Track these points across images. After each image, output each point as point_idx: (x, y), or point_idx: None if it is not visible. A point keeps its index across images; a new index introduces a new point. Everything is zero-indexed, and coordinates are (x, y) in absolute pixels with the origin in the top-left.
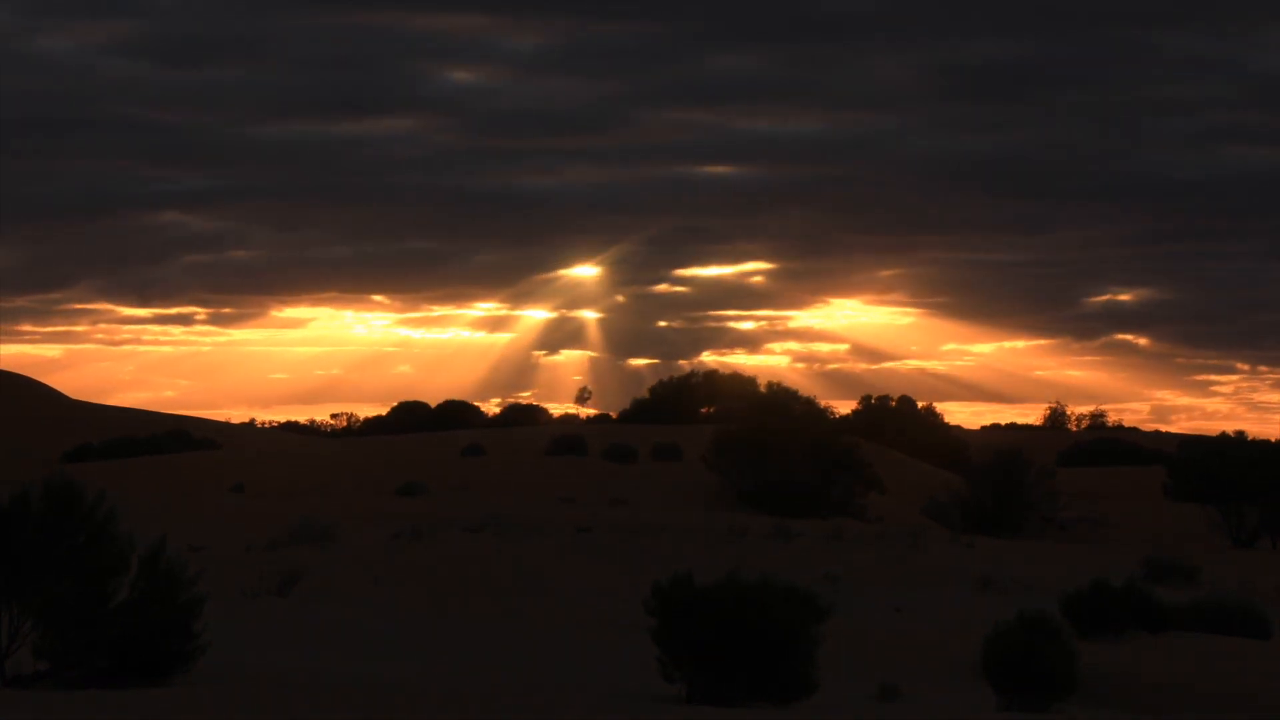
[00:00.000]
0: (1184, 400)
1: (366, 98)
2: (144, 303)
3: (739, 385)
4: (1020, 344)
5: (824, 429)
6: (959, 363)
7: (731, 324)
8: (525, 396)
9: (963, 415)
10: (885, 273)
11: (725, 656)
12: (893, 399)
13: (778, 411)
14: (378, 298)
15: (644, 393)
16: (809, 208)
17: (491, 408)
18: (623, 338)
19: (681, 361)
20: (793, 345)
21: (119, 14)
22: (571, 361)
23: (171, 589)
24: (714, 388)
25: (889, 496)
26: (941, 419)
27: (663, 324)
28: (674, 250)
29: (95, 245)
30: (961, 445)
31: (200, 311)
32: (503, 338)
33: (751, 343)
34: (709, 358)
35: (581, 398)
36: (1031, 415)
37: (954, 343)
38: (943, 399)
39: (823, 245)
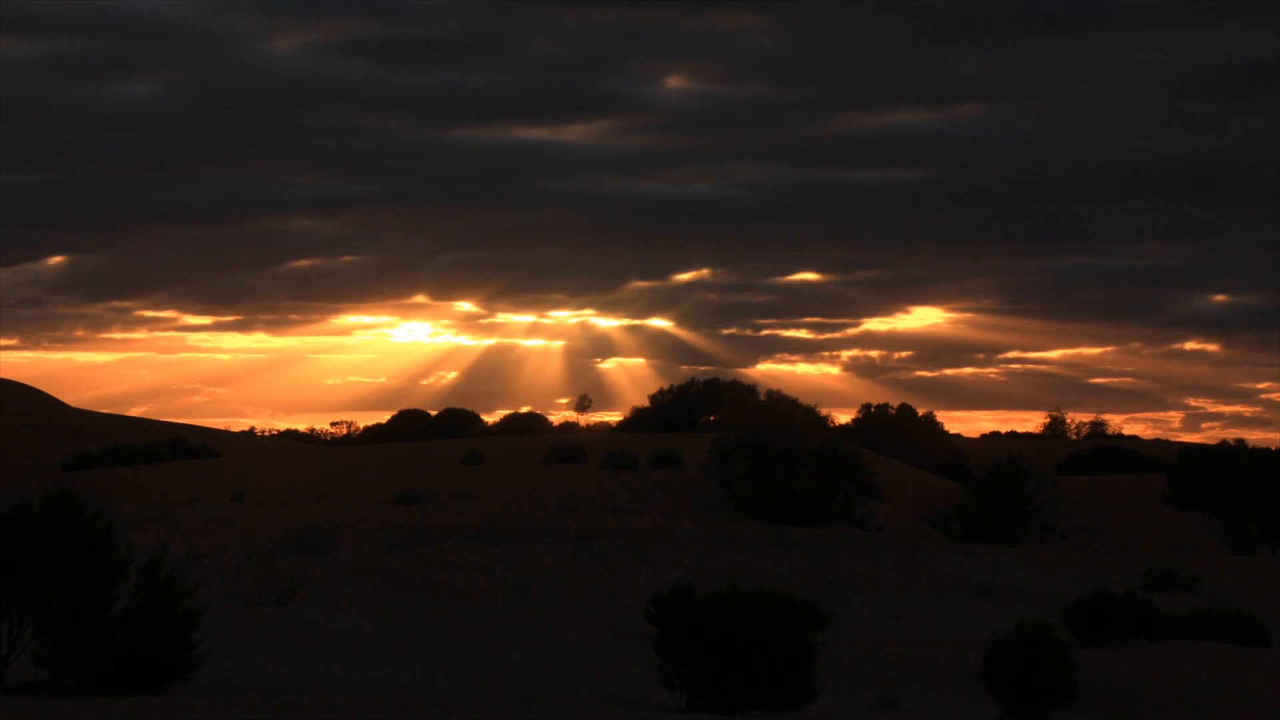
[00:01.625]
0: None
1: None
2: (227, 310)
3: (739, 393)
4: None
5: (824, 437)
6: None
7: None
8: (563, 404)
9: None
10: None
11: (725, 665)
12: (892, 407)
13: (778, 420)
14: (463, 304)
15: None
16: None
17: (492, 416)
18: (688, 343)
19: (742, 370)
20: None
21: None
22: (630, 369)
23: (171, 598)
24: (715, 395)
25: (889, 505)
26: (941, 427)
27: (766, 331)
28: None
29: (184, 251)
30: (961, 453)
31: (278, 317)
32: (555, 345)
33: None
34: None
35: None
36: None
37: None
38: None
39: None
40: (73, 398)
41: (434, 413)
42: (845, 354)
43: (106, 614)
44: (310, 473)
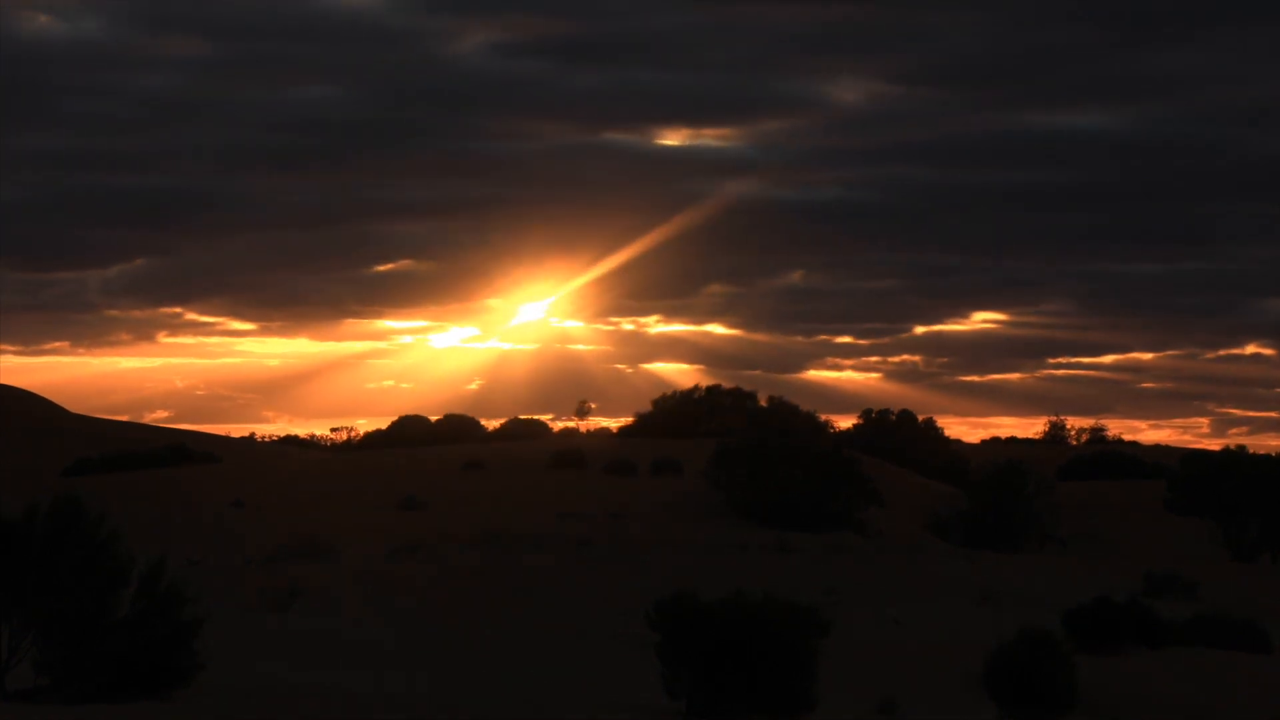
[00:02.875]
0: None
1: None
2: (283, 314)
3: (740, 400)
4: None
5: (824, 443)
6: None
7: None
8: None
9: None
10: None
11: (726, 671)
12: (893, 413)
13: (778, 426)
14: (524, 308)
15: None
16: None
17: (493, 422)
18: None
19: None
20: None
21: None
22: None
23: (172, 605)
24: (715, 402)
25: (889, 510)
26: (942, 433)
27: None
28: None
29: (255, 255)
30: (961, 459)
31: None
32: (584, 349)
33: None
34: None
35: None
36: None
37: None
38: None
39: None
40: (99, 403)
41: (435, 418)
42: (893, 358)
43: (108, 620)
44: (311, 479)
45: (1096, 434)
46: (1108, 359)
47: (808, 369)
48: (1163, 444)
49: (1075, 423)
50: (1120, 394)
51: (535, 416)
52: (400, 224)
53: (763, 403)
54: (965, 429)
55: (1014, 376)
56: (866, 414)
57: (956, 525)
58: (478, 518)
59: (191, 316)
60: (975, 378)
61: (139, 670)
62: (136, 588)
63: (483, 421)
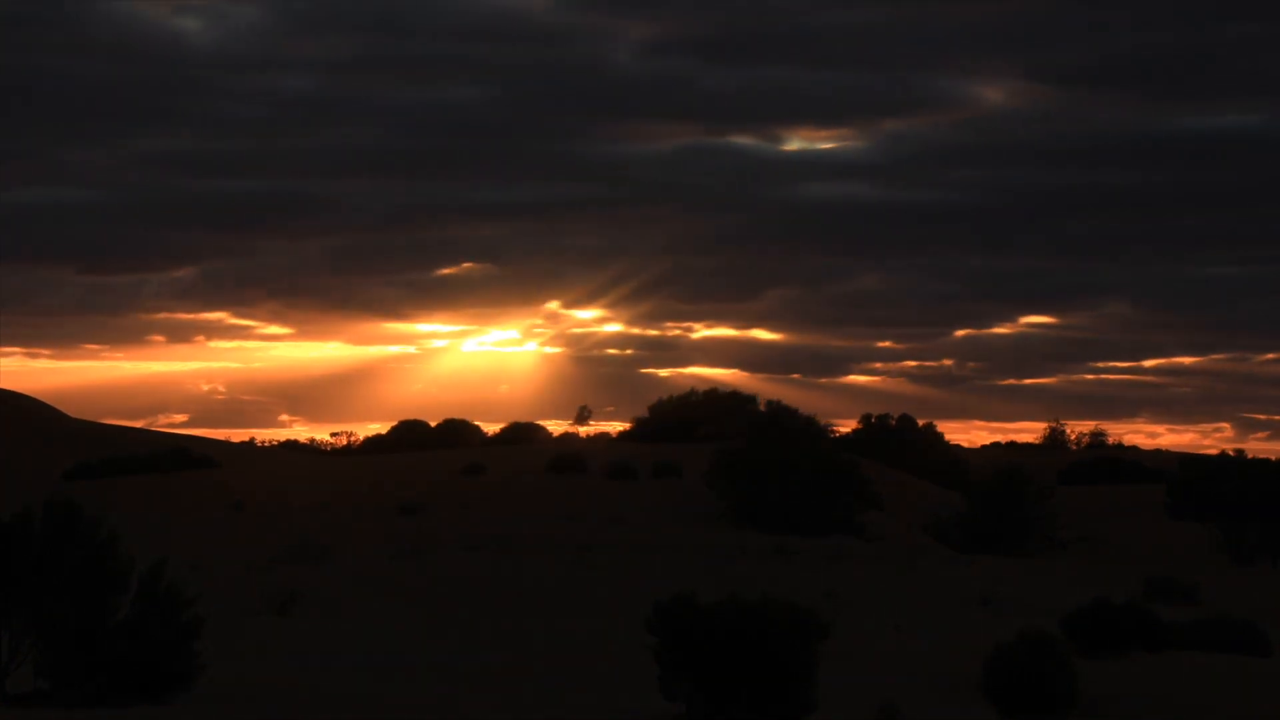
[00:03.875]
0: None
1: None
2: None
3: (740, 403)
4: None
5: (824, 447)
6: None
7: None
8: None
9: None
10: None
11: (726, 675)
12: (892, 417)
13: (777, 430)
14: (581, 314)
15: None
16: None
17: (492, 426)
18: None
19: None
20: None
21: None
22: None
23: (171, 609)
24: (715, 406)
25: (889, 515)
26: (942, 437)
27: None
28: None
29: (285, 259)
30: (962, 464)
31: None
32: (616, 354)
33: None
34: None
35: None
36: None
37: None
38: None
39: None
40: (118, 406)
41: (434, 423)
42: (913, 363)
43: (107, 624)
44: (310, 483)
45: (1096, 438)
46: (1149, 363)
47: (851, 372)
48: (1164, 449)
49: (1075, 427)
50: (1152, 397)
51: (536, 420)
52: (472, 227)
53: (762, 407)
54: (986, 434)
55: (1047, 381)
56: (866, 418)
57: (956, 529)
58: (478, 522)
59: (232, 321)
60: (1012, 381)
61: (139, 673)
62: (136, 591)
63: (483, 426)
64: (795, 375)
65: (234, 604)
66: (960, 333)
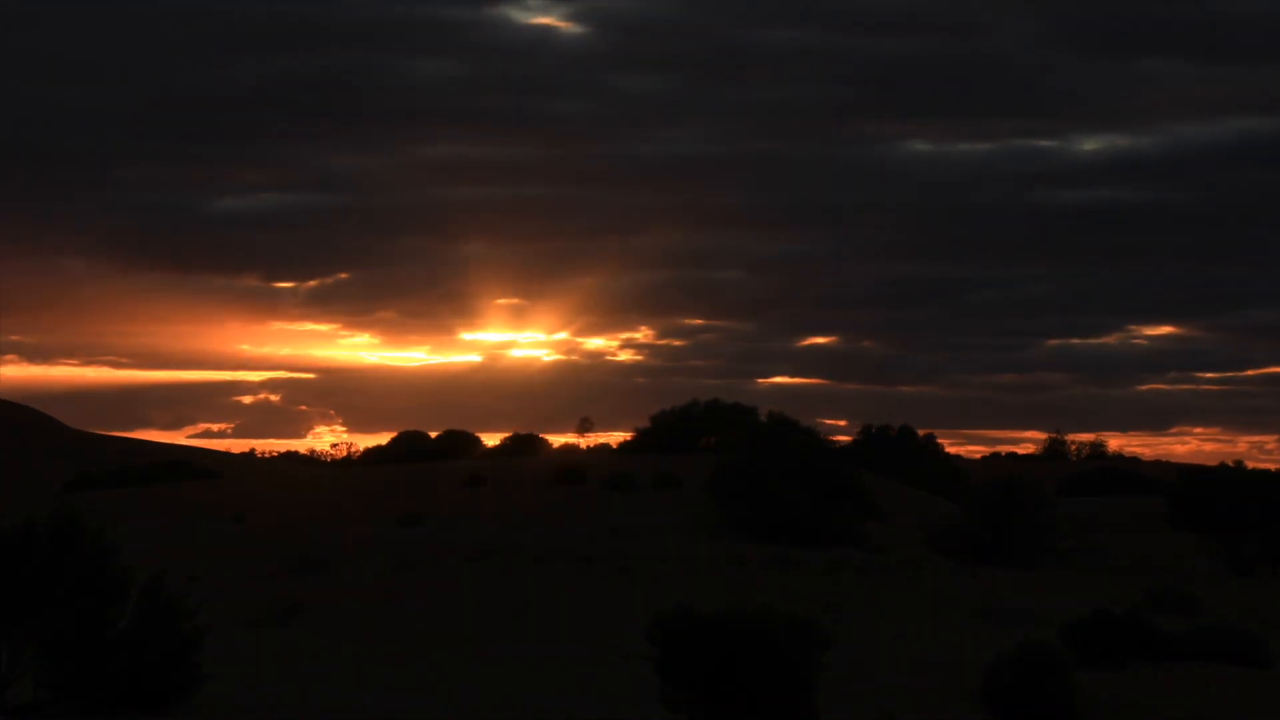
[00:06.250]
0: None
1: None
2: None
3: (740, 414)
4: None
5: (824, 458)
6: None
7: None
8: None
9: None
10: None
11: (727, 686)
12: (892, 428)
13: (777, 441)
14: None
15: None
16: None
17: (495, 438)
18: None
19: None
20: None
21: None
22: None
23: (172, 620)
24: (715, 417)
25: (889, 525)
26: (942, 448)
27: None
28: None
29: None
30: (961, 474)
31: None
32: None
33: None
34: None
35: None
36: None
37: None
38: None
39: None
40: (150, 414)
41: (434, 434)
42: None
43: (108, 635)
44: (311, 494)
45: (1096, 449)
46: (1210, 374)
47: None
48: (1163, 460)
49: (1076, 438)
50: (1224, 406)
51: (539, 432)
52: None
53: (763, 417)
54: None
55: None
56: (866, 429)
57: (957, 540)
58: (478, 533)
59: (310, 326)
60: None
61: (140, 684)
62: (136, 602)
63: (482, 437)
64: (876, 385)
65: (235, 615)
66: (1054, 341)
